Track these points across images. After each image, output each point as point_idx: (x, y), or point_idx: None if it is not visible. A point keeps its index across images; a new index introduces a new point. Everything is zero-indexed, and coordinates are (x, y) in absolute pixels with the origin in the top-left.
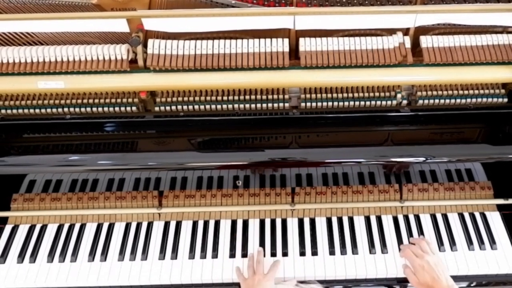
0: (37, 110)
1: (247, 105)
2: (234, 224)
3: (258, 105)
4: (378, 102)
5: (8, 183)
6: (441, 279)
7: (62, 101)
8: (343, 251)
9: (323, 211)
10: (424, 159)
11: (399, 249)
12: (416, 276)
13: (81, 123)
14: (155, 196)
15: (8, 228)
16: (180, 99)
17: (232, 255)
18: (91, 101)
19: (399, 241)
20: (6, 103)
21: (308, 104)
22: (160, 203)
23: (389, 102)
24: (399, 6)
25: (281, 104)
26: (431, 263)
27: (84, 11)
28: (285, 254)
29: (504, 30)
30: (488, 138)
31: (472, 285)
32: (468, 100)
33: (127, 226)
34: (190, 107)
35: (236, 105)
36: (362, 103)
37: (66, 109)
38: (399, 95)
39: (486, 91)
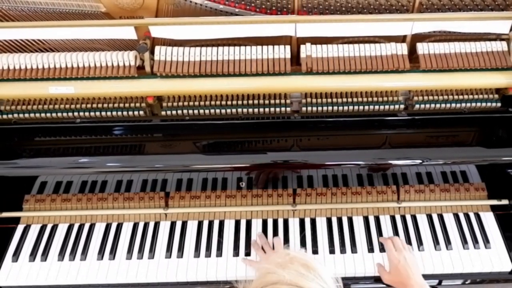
0: (48, 114)
1: (250, 110)
2: (237, 224)
3: (261, 110)
4: (377, 107)
5: (20, 185)
6: (414, 277)
7: (72, 106)
8: (343, 250)
9: (323, 212)
10: (420, 161)
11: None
12: (389, 269)
13: (90, 127)
14: (162, 197)
15: (20, 228)
16: (185, 103)
17: (236, 254)
18: (100, 105)
19: None
20: (19, 107)
21: (309, 108)
22: (167, 203)
23: (387, 107)
24: (396, 14)
25: (282, 109)
26: (408, 260)
27: (93, 19)
28: None
29: (497, 37)
30: (482, 141)
31: (466, 282)
32: (463, 104)
33: (135, 226)
34: (196, 111)
35: (239, 110)
36: (361, 107)
37: (76, 113)
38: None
39: (480, 96)
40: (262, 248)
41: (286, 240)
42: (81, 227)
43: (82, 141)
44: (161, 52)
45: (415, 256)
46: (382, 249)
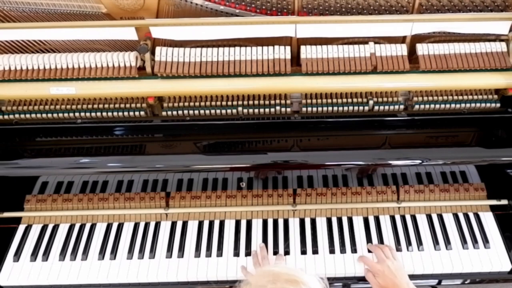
0: (49, 115)
1: (251, 110)
2: (238, 224)
3: (261, 110)
4: (376, 107)
5: (21, 185)
6: (402, 283)
7: (73, 106)
8: (343, 249)
9: (324, 212)
10: (420, 161)
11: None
12: (377, 279)
13: (91, 127)
14: (163, 197)
15: (21, 228)
16: (186, 104)
17: (236, 253)
18: (101, 106)
19: (396, 240)
20: (20, 108)
21: (309, 109)
22: (167, 203)
23: (387, 107)
24: (396, 15)
25: (283, 109)
26: (392, 268)
27: (94, 19)
28: (287, 252)
29: (496, 38)
30: (481, 141)
31: (466, 282)
32: (463, 105)
33: (136, 226)
34: (196, 111)
35: (240, 110)
36: (361, 108)
37: (77, 114)
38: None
39: (480, 97)
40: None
41: (286, 240)
42: (82, 227)
43: (83, 141)
44: (161, 53)
45: (400, 262)
46: None
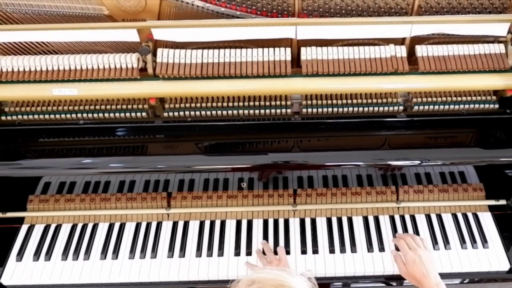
0: (52, 116)
1: (251, 111)
2: (239, 224)
3: (262, 111)
4: (376, 108)
5: (24, 185)
6: (430, 276)
7: (76, 107)
8: (343, 249)
9: (324, 212)
10: (419, 162)
11: (396, 248)
12: (405, 267)
13: (93, 128)
14: (164, 197)
15: (24, 228)
16: (187, 105)
17: (237, 253)
18: (103, 107)
19: None
20: (23, 109)
21: (309, 110)
22: (169, 204)
23: (386, 108)
24: (395, 17)
25: (283, 110)
26: (423, 258)
27: (96, 21)
28: (287, 252)
29: (495, 39)
30: (480, 142)
31: (465, 281)
32: (461, 106)
33: (137, 226)
34: (197, 112)
35: (240, 111)
36: (361, 109)
37: (79, 115)
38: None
39: (478, 98)
40: (263, 252)
41: (287, 239)
42: (84, 227)
43: (85, 142)
44: (163, 54)
45: (432, 254)
46: (381, 248)
